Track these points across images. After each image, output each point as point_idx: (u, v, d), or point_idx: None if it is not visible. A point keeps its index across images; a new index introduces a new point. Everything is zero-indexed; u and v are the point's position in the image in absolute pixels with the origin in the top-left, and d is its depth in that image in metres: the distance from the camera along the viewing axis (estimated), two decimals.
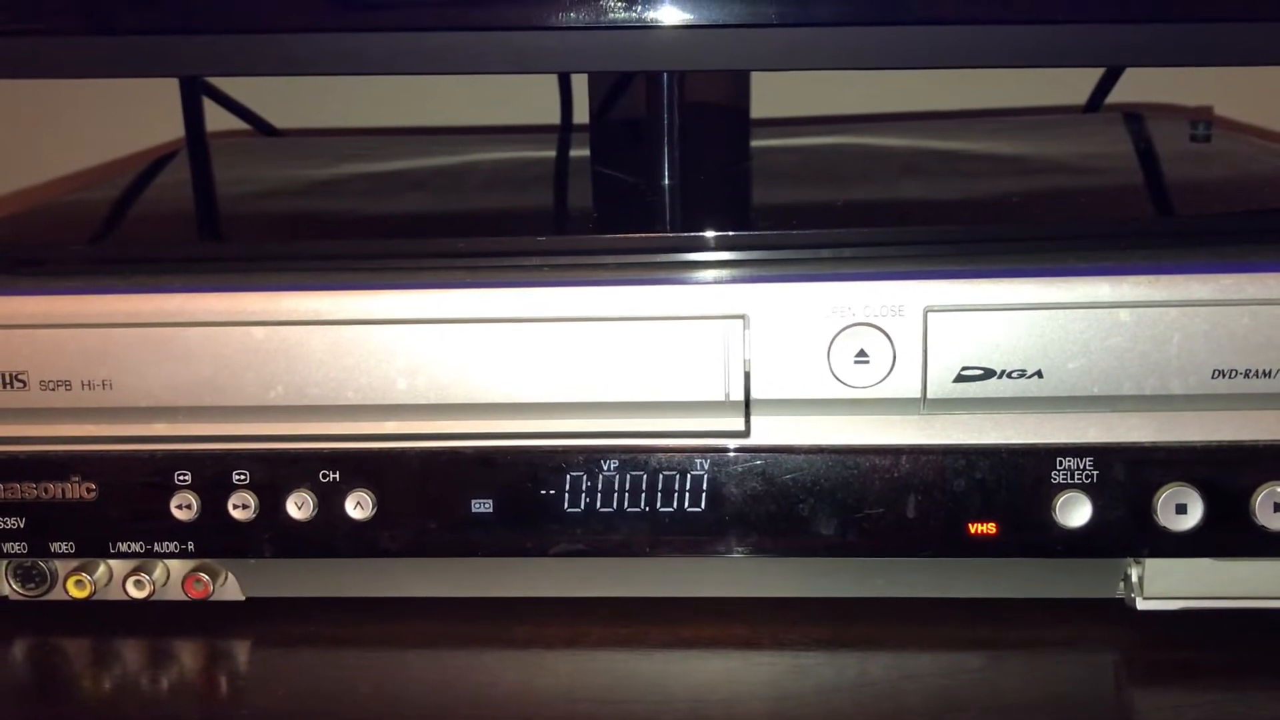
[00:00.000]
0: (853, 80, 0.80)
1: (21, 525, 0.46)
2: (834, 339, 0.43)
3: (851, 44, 0.48)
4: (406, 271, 0.45)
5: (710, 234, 0.46)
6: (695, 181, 0.55)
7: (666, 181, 0.55)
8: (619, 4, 0.47)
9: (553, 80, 0.76)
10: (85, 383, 0.45)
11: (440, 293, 0.44)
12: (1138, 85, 0.77)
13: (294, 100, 0.81)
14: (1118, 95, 0.76)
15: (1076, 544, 0.44)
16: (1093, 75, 0.76)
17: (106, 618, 0.48)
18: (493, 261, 0.46)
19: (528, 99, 0.80)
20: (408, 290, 0.44)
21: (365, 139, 0.77)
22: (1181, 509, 0.43)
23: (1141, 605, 0.45)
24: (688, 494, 0.45)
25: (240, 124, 0.79)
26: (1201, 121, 0.63)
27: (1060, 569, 0.46)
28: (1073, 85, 0.77)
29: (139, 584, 0.47)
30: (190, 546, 0.46)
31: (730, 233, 0.46)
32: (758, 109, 0.62)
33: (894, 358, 0.43)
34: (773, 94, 0.75)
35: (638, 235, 0.47)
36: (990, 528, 0.44)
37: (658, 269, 0.45)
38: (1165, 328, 0.42)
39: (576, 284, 0.44)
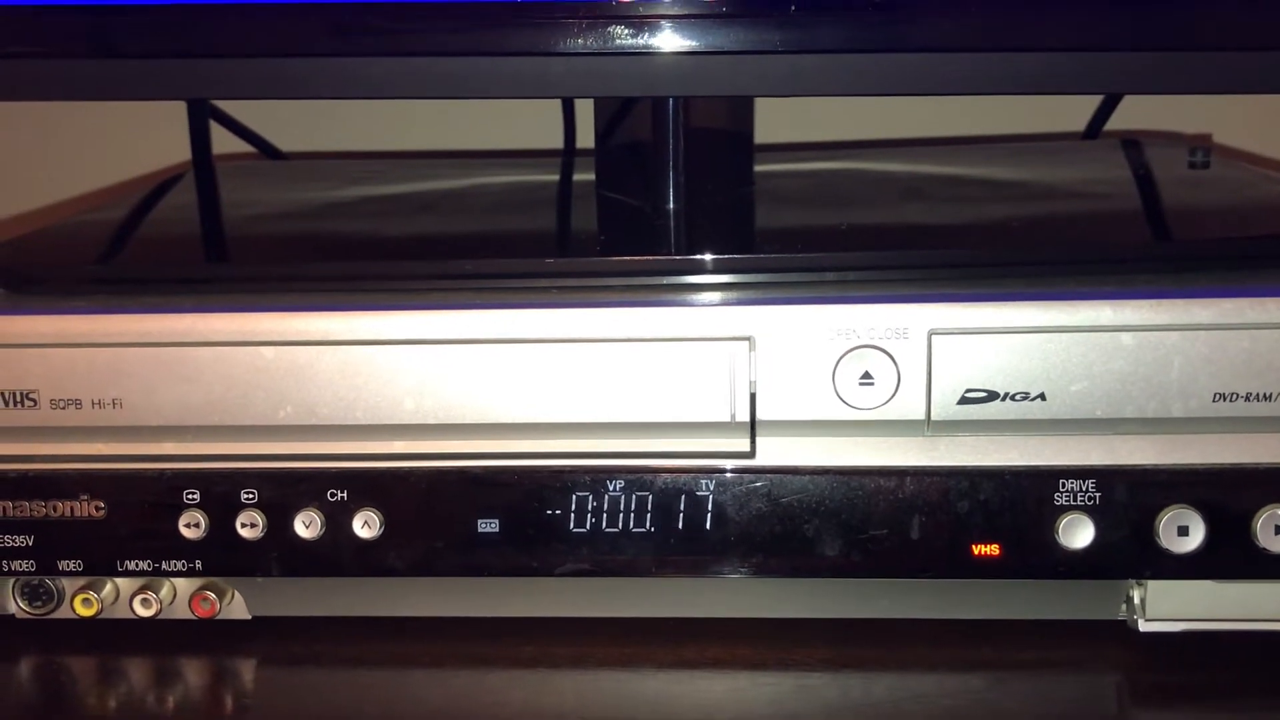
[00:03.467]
0: (855, 107, 0.81)
1: (30, 543, 0.46)
2: (839, 361, 0.43)
3: (854, 70, 0.48)
4: (414, 293, 0.46)
5: (716, 257, 0.46)
6: (700, 205, 0.55)
7: (671, 205, 0.55)
8: (625, 30, 0.48)
9: (556, 106, 0.77)
10: (95, 401, 0.45)
11: (448, 314, 0.44)
12: (1136, 113, 0.78)
13: (299, 124, 0.82)
14: (1116, 122, 0.76)
15: (1079, 565, 0.44)
16: (1091, 103, 0.77)
17: (113, 636, 0.48)
18: (500, 283, 0.46)
19: (532, 124, 0.80)
20: (416, 311, 0.44)
21: (371, 163, 0.77)
22: (1183, 531, 0.43)
23: (1143, 627, 0.45)
24: (693, 515, 0.45)
25: (245, 147, 0.80)
26: (1200, 148, 0.63)
27: (1063, 590, 0.46)
28: (1072, 113, 0.78)
29: (146, 602, 0.47)
30: (198, 565, 0.46)
31: (736, 255, 0.46)
32: (761, 135, 0.62)
33: (898, 380, 0.43)
34: (776, 120, 0.75)
35: (644, 258, 0.47)
36: (994, 549, 0.44)
37: (664, 291, 0.45)
38: (1167, 351, 0.43)
39: (583, 305, 0.44)
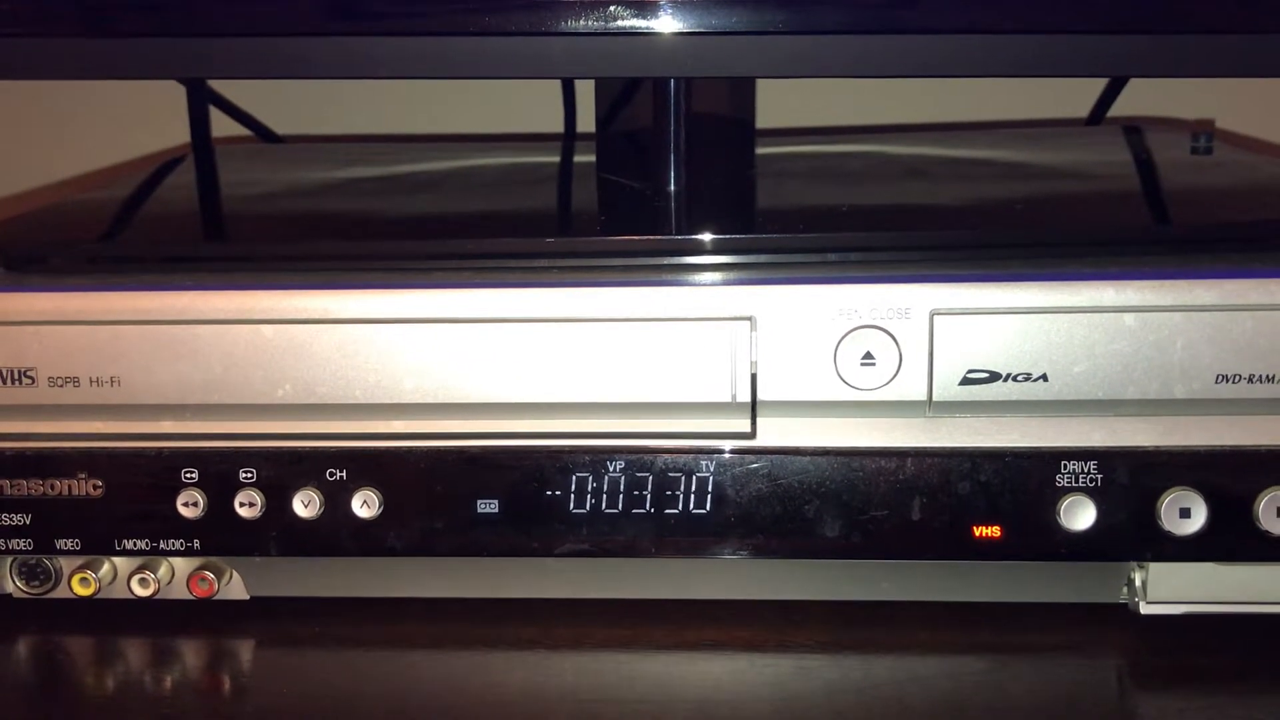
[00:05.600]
0: (857, 93, 0.81)
1: (27, 522, 0.46)
2: (840, 341, 0.43)
3: (856, 52, 0.48)
4: (414, 272, 0.46)
5: (718, 237, 0.46)
6: (701, 187, 0.55)
7: (673, 187, 0.55)
8: (626, 10, 0.47)
9: (557, 90, 0.77)
10: (94, 379, 0.45)
11: (448, 293, 0.44)
12: (1139, 99, 0.78)
13: (296, 107, 0.82)
14: (1119, 109, 0.76)
15: (1080, 548, 0.44)
16: (1094, 89, 0.76)
17: (111, 616, 0.48)
18: (501, 262, 0.46)
19: (531, 108, 0.80)
20: (416, 290, 0.44)
21: (369, 146, 0.77)
22: (1185, 513, 0.43)
23: (1145, 609, 0.45)
24: (693, 495, 0.45)
25: (242, 130, 0.79)
26: (1203, 134, 0.63)
27: (1064, 573, 0.46)
28: (1074, 99, 0.77)
29: (144, 582, 0.47)
30: (196, 544, 0.46)
31: (738, 235, 0.46)
32: (763, 120, 0.62)
33: (900, 360, 0.43)
34: (778, 106, 0.75)
35: (646, 238, 0.47)
36: (995, 531, 0.44)
37: (665, 271, 0.45)
38: (1169, 332, 0.43)
39: (584, 285, 0.44)
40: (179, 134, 0.77)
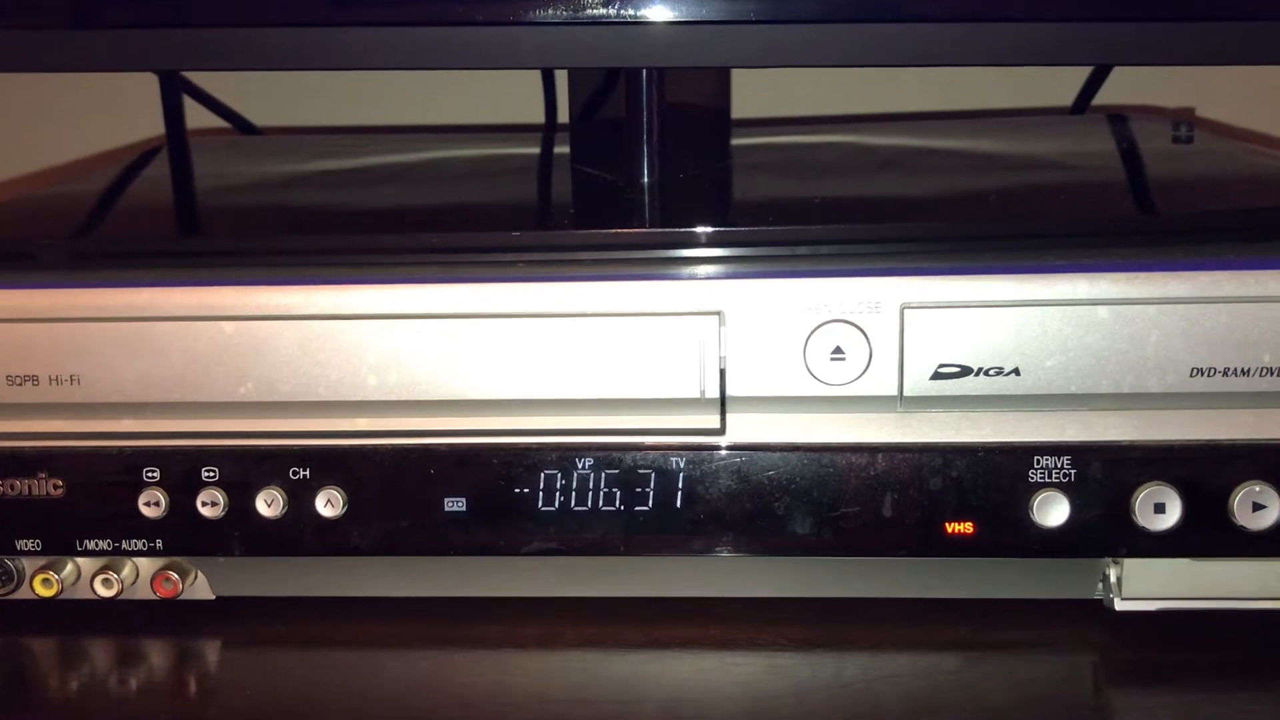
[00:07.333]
0: (835, 82, 0.80)
1: None
2: (810, 336, 0.43)
3: (831, 41, 0.47)
4: (379, 266, 0.45)
5: (687, 230, 0.45)
6: (674, 179, 0.55)
7: (645, 179, 0.55)
8: (598, 0, 0.47)
9: (537, 80, 0.76)
10: (53, 378, 0.44)
11: (413, 288, 0.43)
12: (1123, 87, 0.77)
13: (274, 99, 0.81)
14: (1103, 97, 0.76)
15: (1054, 544, 0.43)
16: (1078, 77, 0.76)
17: (74, 617, 0.47)
18: (467, 257, 0.46)
19: (512, 99, 0.79)
20: (380, 285, 0.44)
21: (345, 137, 0.77)
22: (1160, 509, 0.43)
23: (1119, 606, 0.45)
24: (662, 492, 0.44)
25: (220, 122, 0.79)
26: (1184, 123, 0.63)
27: (1038, 569, 0.46)
28: (1058, 87, 0.77)
29: (107, 583, 0.46)
30: (159, 544, 0.45)
31: (707, 229, 0.46)
32: (739, 110, 0.62)
33: (870, 355, 0.43)
34: (754, 95, 0.75)
35: (614, 231, 0.47)
36: (967, 527, 0.44)
37: (634, 265, 0.45)
38: (1143, 325, 0.42)
39: (551, 279, 0.43)
40: (155, 125, 0.76)
